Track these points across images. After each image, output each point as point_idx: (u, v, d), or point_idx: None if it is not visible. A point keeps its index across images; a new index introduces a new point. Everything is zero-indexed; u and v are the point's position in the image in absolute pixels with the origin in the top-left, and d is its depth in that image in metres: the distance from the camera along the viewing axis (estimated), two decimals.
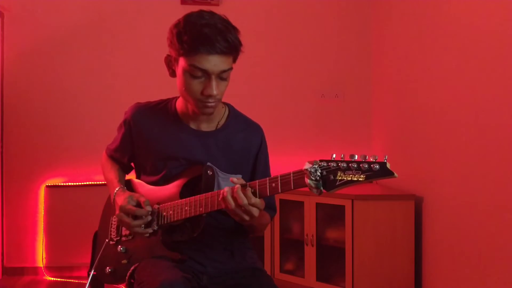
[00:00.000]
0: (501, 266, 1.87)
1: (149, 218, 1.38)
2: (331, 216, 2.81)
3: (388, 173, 1.03)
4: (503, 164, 1.87)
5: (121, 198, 1.41)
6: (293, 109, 3.49)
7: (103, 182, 3.09)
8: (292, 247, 2.98)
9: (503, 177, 1.87)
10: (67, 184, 3.32)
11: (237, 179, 1.24)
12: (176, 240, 1.40)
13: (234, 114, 1.50)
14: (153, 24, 3.38)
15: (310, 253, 2.83)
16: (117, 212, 1.41)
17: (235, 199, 1.20)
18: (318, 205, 2.81)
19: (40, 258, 3.30)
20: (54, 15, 3.34)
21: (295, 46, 3.50)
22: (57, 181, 3.33)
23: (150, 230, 1.38)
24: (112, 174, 1.55)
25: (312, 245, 2.81)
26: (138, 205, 1.39)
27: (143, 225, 1.38)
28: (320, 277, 2.80)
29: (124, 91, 3.33)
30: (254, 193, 1.20)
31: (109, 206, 1.58)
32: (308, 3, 3.49)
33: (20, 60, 3.31)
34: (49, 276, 3.27)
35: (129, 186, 1.54)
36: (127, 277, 1.40)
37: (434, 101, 2.49)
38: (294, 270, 2.95)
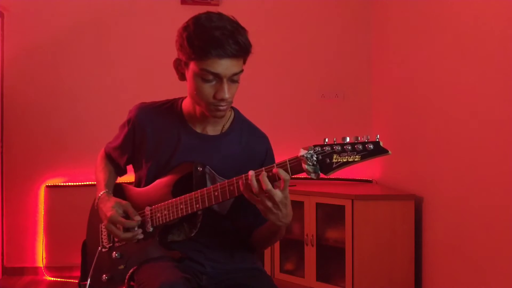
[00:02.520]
0: (501, 266, 1.87)
1: (140, 230, 1.38)
2: (331, 216, 2.81)
3: (382, 151, 1.06)
4: (503, 164, 1.87)
5: (107, 206, 1.40)
6: (293, 109, 3.49)
7: None
8: (292, 247, 2.98)
9: (503, 177, 1.87)
10: (67, 184, 3.32)
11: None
12: (173, 241, 1.39)
13: (239, 119, 1.49)
14: (153, 24, 3.38)
15: (310, 253, 2.83)
16: (104, 222, 1.40)
17: (259, 182, 1.16)
18: (318, 205, 2.81)
19: (40, 258, 3.30)
20: (54, 15, 3.34)
21: (295, 46, 3.49)
22: (57, 181, 3.33)
23: (140, 237, 1.38)
24: (102, 175, 1.53)
25: (312, 245, 2.81)
26: (126, 214, 1.39)
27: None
28: (320, 277, 2.80)
29: (124, 91, 3.33)
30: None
31: (95, 213, 1.55)
32: (308, 3, 3.49)
33: (20, 60, 3.31)
34: (49, 276, 3.27)
35: (118, 191, 1.52)
36: (126, 280, 1.39)
37: (434, 101, 2.49)
38: (294, 270, 2.95)
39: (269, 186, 1.14)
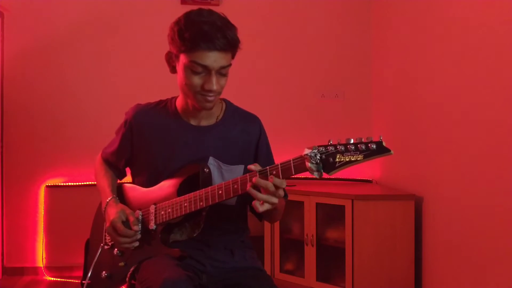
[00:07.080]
0: (501, 265, 1.87)
1: (138, 236, 1.39)
2: (331, 216, 2.81)
3: (385, 151, 1.08)
4: (503, 164, 1.87)
5: (113, 211, 1.41)
6: (293, 109, 3.49)
7: None
8: (292, 247, 2.98)
9: (503, 177, 1.87)
10: (67, 184, 3.32)
11: (254, 166, 1.22)
12: (175, 240, 1.40)
13: (231, 108, 1.53)
14: (153, 24, 3.38)
15: (310, 253, 2.83)
16: (107, 224, 1.41)
17: (264, 184, 1.18)
18: (318, 205, 2.81)
19: (40, 258, 3.30)
20: (54, 15, 3.34)
21: (295, 46, 3.49)
22: (57, 181, 3.33)
23: (136, 244, 1.40)
24: (105, 181, 1.54)
25: (312, 245, 2.81)
26: (128, 222, 1.39)
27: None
28: (320, 277, 2.80)
29: (124, 91, 3.33)
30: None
31: (101, 215, 1.56)
32: (308, 3, 3.49)
33: (20, 60, 3.31)
34: (49, 276, 3.27)
35: (120, 191, 1.54)
36: (127, 279, 1.40)
37: (434, 101, 2.49)
38: (294, 270, 2.95)
39: (273, 188, 1.18)
